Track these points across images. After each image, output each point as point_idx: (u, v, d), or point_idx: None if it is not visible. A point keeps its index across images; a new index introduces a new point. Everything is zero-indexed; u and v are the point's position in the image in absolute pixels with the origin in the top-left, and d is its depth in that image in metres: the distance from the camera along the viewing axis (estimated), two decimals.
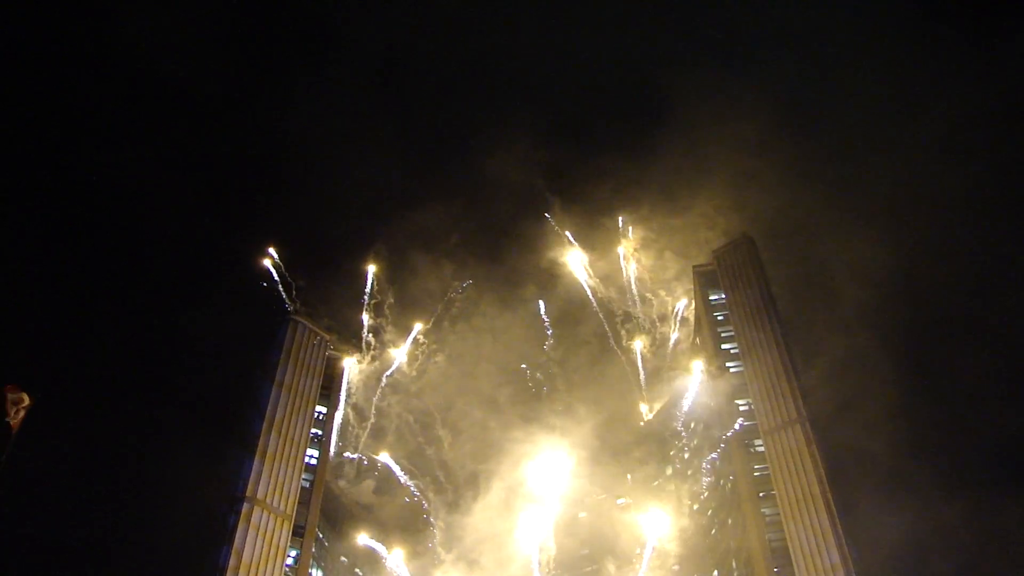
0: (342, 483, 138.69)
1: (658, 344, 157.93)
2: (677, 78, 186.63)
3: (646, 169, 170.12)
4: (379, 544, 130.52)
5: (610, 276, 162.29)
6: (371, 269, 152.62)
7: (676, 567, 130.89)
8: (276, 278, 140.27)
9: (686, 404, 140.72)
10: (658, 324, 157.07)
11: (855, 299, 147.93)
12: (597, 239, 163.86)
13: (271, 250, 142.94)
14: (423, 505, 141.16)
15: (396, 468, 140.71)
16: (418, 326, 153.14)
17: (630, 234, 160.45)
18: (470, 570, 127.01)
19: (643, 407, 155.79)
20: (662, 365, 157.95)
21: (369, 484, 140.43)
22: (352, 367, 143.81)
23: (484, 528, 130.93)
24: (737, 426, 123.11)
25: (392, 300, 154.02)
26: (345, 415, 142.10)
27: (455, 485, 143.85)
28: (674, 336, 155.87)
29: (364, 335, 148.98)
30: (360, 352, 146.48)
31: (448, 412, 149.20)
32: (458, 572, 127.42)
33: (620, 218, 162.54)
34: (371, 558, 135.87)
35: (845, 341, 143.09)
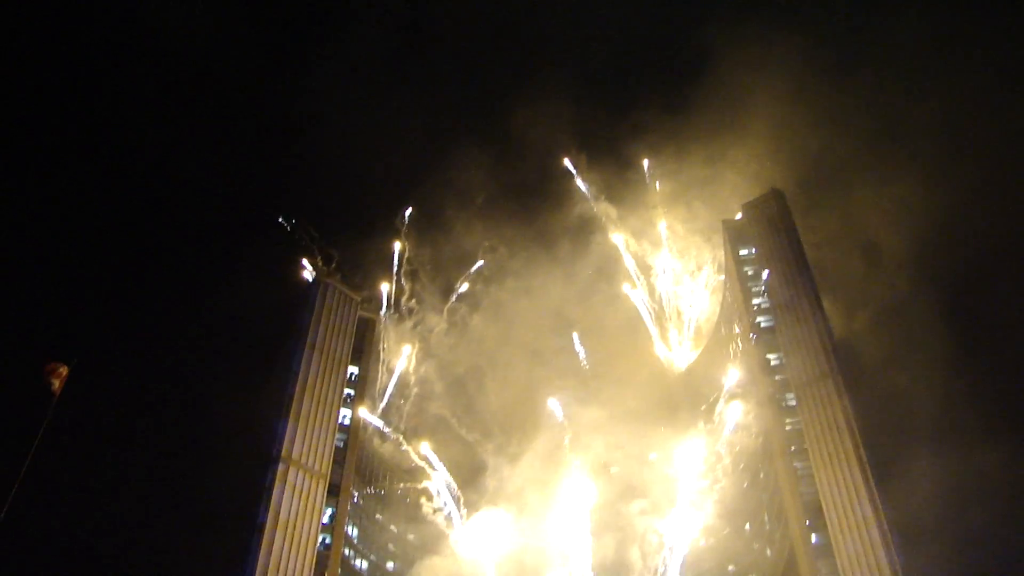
0: (389, 446, 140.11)
1: (690, 298, 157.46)
2: (711, 29, 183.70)
3: (676, 123, 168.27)
4: (434, 455, 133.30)
5: (642, 231, 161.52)
6: (402, 230, 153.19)
7: (708, 520, 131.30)
8: (307, 242, 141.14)
9: (718, 358, 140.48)
10: (689, 278, 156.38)
11: (895, 248, 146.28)
12: (628, 194, 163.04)
13: (301, 215, 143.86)
14: (472, 455, 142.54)
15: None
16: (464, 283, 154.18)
17: (658, 187, 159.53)
18: (518, 514, 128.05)
19: (675, 361, 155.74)
20: (694, 319, 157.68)
21: (416, 445, 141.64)
22: (383, 326, 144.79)
23: (527, 476, 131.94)
24: (775, 378, 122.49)
25: (424, 261, 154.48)
26: (384, 379, 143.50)
27: (498, 438, 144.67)
28: (705, 290, 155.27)
29: (396, 295, 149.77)
30: (390, 310, 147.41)
31: (486, 370, 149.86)
32: (511, 510, 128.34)
33: (646, 165, 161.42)
34: (407, 513, 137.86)
35: (884, 292, 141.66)
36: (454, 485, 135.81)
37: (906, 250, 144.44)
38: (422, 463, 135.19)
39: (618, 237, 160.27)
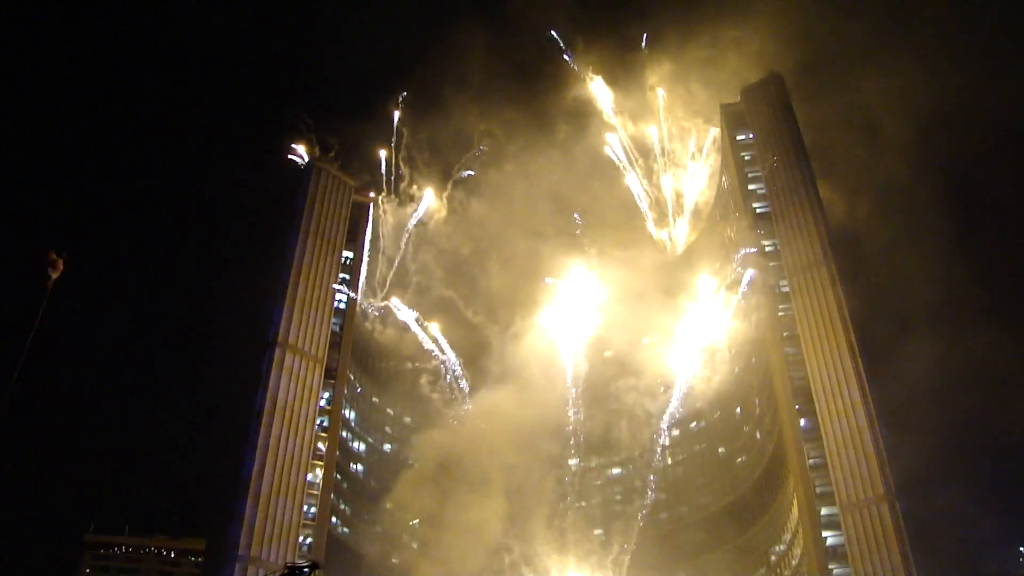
0: (390, 332, 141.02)
1: (687, 183, 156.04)
2: None
3: (679, 4, 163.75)
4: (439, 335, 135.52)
5: (640, 114, 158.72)
6: (398, 113, 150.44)
7: (699, 404, 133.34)
8: (303, 129, 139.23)
9: (713, 245, 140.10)
10: (686, 165, 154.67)
11: (898, 134, 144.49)
12: (627, 77, 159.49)
13: (297, 102, 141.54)
14: (474, 335, 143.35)
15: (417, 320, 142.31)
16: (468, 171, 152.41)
17: (657, 70, 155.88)
18: (521, 390, 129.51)
19: (672, 245, 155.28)
20: (692, 203, 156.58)
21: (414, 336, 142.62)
22: (382, 212, 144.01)
23: (526, 354, 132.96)
24: (770, 264, 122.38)
25: (421, 147, 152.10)
26: (384, 268, 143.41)
27: (498, 318, 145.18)
28: (701, 175, 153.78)
29: (395, 182, 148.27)
30: (389, 196, 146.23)
31: (486, 251, 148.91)
32: (508, 390, 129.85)
33: (645, 40, 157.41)
34: (405, 396, 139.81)
35: (886, 177, 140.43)
36: (455, 362, 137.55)
37: (909, 136, 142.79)
38: (422, 339, 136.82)
39: (616, 119, 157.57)
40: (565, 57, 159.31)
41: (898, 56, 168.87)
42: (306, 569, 28.87)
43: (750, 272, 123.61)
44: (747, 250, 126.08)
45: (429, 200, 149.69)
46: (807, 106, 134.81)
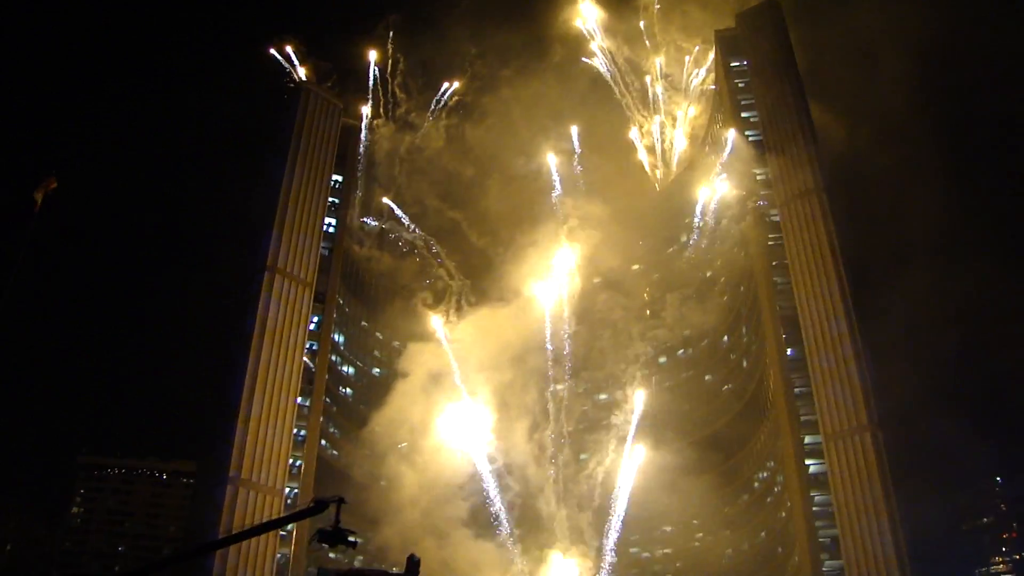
0: (387, 259, 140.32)
1: (678, 108, 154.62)
2: None
3: None
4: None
5: (633, 37, 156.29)
6: (388, 36, 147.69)
7: (687, 332, 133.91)
8: (289, 51, 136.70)
9: (706, 171, 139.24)
10: (681, 88, 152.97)
11: (896, 62, 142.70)
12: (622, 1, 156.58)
13: (285, 23, 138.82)
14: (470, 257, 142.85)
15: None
16: (447, 87, 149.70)
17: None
18: (523, 307, 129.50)
19: (665, 172, 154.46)
20: (685, 130, 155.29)
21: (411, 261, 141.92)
22: (377, 138, 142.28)
23: (518, 275, 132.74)
24: (759, 203, 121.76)
25: (414, 71, 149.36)
26: (378, 198, 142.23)
27: (494, 238, 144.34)
28: (696, 99, 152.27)
29: (386, 106, 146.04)
30: (385, 120, 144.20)
31: (486, 175, 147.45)
32: (502, 309, 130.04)
33: None
34: (393, 319, 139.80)
35: (882, 106, 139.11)
36: (450, 279, 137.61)
37: (908, 64, 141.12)
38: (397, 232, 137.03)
39: (609, 41, 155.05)
40: None
41: None
42: (332, 504, 29.91)
43: (761, 202, 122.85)
44: (719, 192, 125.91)
45: (424, 124, 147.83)
46: (805, 30, 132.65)
